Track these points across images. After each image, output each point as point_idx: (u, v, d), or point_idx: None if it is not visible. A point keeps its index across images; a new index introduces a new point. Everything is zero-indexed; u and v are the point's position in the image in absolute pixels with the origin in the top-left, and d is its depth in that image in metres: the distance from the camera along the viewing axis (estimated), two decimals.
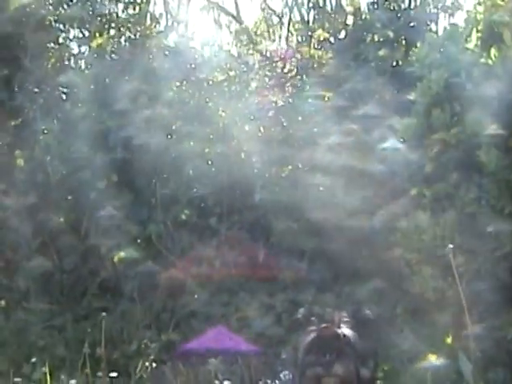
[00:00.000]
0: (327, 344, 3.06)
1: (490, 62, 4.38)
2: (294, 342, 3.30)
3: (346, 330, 3.11)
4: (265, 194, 5.14)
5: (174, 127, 5.01)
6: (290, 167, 5.24)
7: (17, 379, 4.09)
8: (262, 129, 5.24)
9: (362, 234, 4.73)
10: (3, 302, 5.04)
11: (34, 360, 4.32)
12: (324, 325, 3.12)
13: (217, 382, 3.74)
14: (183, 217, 4.95)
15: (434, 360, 3.59)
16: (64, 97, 5.55)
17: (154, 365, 4.10)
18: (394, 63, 5.51)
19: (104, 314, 3.86)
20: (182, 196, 5.07)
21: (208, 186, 5.11)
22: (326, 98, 5.33)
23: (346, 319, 3.18)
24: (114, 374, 3.89)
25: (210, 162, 5.11)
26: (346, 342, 3.06)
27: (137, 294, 5.08)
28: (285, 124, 5.01)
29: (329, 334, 3.09)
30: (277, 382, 3.58)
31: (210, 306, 4.86)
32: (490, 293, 4.52)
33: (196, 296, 4.92)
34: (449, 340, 3.95)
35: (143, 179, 5.17)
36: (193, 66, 5.06)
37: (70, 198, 5.21)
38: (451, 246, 3.42)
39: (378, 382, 3.26)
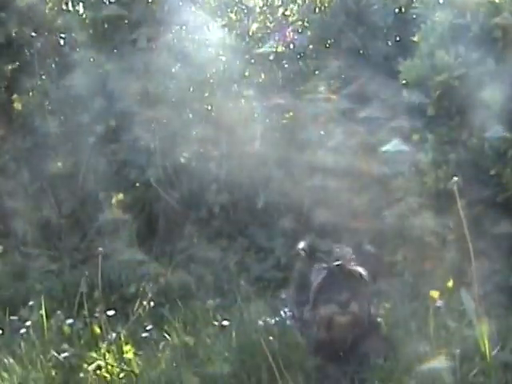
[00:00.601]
0: (342, 281, 3.00)
1: (496, 0, 4.27)
2: (295, 277, 3.22)
3: (359, 267, 3.03)
4: (265, 141, 5.04)
5: (173, 70, 4.88)
6: (290, 114, 5.12)
7: (13, 317, 4.02)
8: (262, 74, 5.12)
9: (362, 179, 4.63)
10: (0, 248, 4.95)
11: (31, 303, 4.23)
12: (337, 262, 3.03)
13: (215, 322, 3.65)
14: (182, 160, 4.85)
15: (435, 298, 3.50)
16: (62, 41, 5.42)
17: (152, 304, 4.02)
18: (397, 10, 5.37)
19: (101, 255, 3.75)
20: (182, 140, 4.96)
21: (207, 130, 5.00)
22: (328, 45, 5.21)
23: (352, 255, 3.10)
24: (111, 313, 3.80)
25: (209, 107, 4.99)
26: (361, 279, 2.99)
27: (135, 239, 4.99)
28: (286, 66, 4.90)
29: (343, 271, 3.01)
30: (277, 319, 3.50)
31: (208, 251, 4.77)
32: (493, 237, 4.45)
33: (195, 240, 4.83)
34: (450, 282, 3.87)
35: (142, 124, 5.06)
36: (192, 9, 4.93)
37: (68, 143, 5.09)
38: (456, 178, 3.33)
39: (379, 319, 3.18)
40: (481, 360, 3.13)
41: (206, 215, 4.86)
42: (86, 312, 3.88)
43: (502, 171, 4.27)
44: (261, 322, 3.43)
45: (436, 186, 4.32)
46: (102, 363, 3.27)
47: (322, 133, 4.72)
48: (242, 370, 3.26)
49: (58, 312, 3.89)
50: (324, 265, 3.29)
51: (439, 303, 3.62)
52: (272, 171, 4.83)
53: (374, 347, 3.28)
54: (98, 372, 3.40)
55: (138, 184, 4.68)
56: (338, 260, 3.29)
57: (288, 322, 3.42)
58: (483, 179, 4.39)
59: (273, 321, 3.45)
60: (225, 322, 3.70)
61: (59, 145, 5.07)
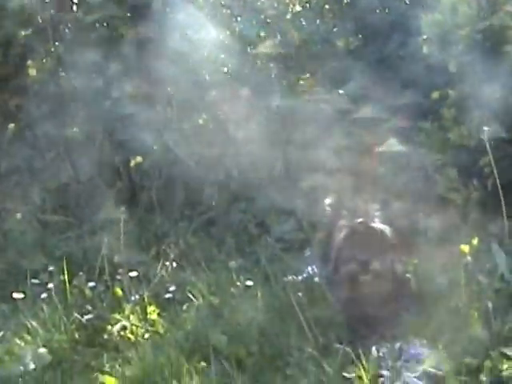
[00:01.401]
0: (363, 240, 2.88)
1: None
2: (321, 235, 3.10)
3: (381, 225, 2.91)
4: (282, 99, 4.90)
5: (187, 33, 4.74)
6: (307, 75, 4.97)
7: (34, 281, 3.92)
8: (278, 35, 4.97)
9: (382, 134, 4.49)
10: (19, 215, 4.84)
11: (51, 268, 4.12)
12: (359, 219, 2.91)
13: (238, 283, 3.54)
14: (200, 121, 4.72)
15: (465, 252, 3.38)
16: (75, 7, 5.28)
17: (175, 265, 3.91)
18: None
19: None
20: (199, 103, 4.83)
21: (225, 93, 4.86)
22: (345, 4, 5.06)
23: (377, 212, 2.97)
24: (133, 274, 3.70)
25: (225, 69, 4.85)
26: (384, 237, 2.87)
27: (155, 204, 4.88)
28: (305, 26, 4.75)
29: (365, 229, 2.89)
30: (304, 275, 3.39)
31: (227, 214, 4.65)
32: None
33: (214, 203, 4.71)
34: (476, 239, 3.74)
35: (159, 87, 4.93)
36: None
37: (83, 108, 4.96)
38: (487, 128, 3.20)
39: (409, 275, 3.06)
40: None
41: (224, 178, 4.72)
42: (107, 275, 3.77)
43: None
44: (287, 279, 3.31)
45: (460, 142, 4.17)
46: (126, 324, 3.16)
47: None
48: (270, 329, 3.15)
49: (80, 274, 3.77)
50: (346, 222, 3.18)
51: (468, 259, 3.50)
52: (291, 133, 4.68)
53: (404, 304, 3.17)
54: (123, 333, 3.28)
55: (155, 147, 4.51)
56: (360, 217, 3.17)
57: (315, 279, 3.30)
58: (509, 136, 4.25)
59: (300, 277, 3.34)
60: (249, 282, 3.58)
61: (75, 111, 4.93)
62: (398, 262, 3.20)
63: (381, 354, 2.70)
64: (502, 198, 3.19)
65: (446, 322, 2.99)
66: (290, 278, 3.31)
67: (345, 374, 2.71)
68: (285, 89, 4.86)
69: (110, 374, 2.85)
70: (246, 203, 4.72)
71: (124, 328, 3.23)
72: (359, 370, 2.70)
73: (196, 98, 4.71)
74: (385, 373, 2.63)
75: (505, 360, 2.74)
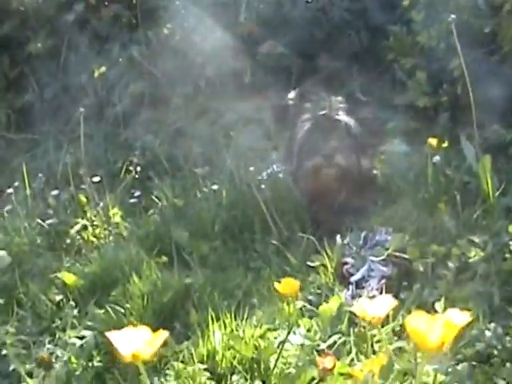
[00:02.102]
0: (326, 132, 2.73)
1: None
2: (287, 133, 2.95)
3: (345, 117, 2.76)
4: (250, 12, 4.72)
5: None
6: None
7: None
8: None
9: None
10: None
11: (16, 184, 3.97)
12: (322, 111, 2.76)
13: (205, 188, 3.40)
14: (166, 32, 4.53)
15: (434, 145, 3.26)
16: None
17: (140, 176, 3.77)
18: None
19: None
20: (165, 13, 4.63)
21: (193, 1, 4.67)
22: None
23: (342, 105, 2.82)
24: (97, 179, 3.55)
25: None
26: (348, 130, 2.72)
27: (121, 119, 4.71)
28: None
29: (328, 122, 2.74)
30: (268, 171, 3.26)
31: (196, 125, 4.50)
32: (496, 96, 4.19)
33: (181, 116, 4.54)
34: (446, 143, 3.61)
35: None
36: None
37: (47, 23, 4.76)
38: (453, 16, 3.05)
39: (375, 171, 2.92)
40: (482, 203, 2.90)
41: (192, 90, 4.55)
42: (72, 185, 3.63)
43: (496, 28, 3.96)
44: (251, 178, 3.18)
45: (429, 44, 4.02)
46: (86, 223, 3.02)
47: None
48: (233, 225, 3.03)
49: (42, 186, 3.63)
50: (309, 115, 3.03)
51: (436, 158, 3.39)
52: (260, 43, 4.50)
53: (369, 197, 3.05)
54: (85, 236, 3.16)
55: (120, 59, 4.32)
56: (324, 110, 3.03)
57: (280, 175, 3.17)
58: (477, 38, 4.09)
59: (264, 174, 3.21)
60: (215, 186, 3.45)
61: (38, 26, 4.72)
62: (364, 156, 3.08)
63: (345, 242, 2.56)
64: (472, 101, 3.03)
65: (412, 212, 2.87)
66: (254, 176, 3.15)
67: (308, 263, 2.59)
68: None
69: (70, 272, 2.71)
70: (214, 115, 4.55)
71: (84, 228, 3.09)
72: (323, 258, 2.58)
73: (162, 7, 4.50)
74: (349, 260, 2.52)
75: (472, 248, 2.63)
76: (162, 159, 4.18)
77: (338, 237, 2.58)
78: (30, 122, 4.85)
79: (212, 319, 2.16)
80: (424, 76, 4.09)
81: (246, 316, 2.21)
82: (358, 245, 2.58)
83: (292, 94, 3.09)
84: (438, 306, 2.13)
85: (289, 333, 2.01)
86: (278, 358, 1.94)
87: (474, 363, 2.09)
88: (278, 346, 2.03)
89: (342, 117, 3.00)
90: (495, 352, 2.12)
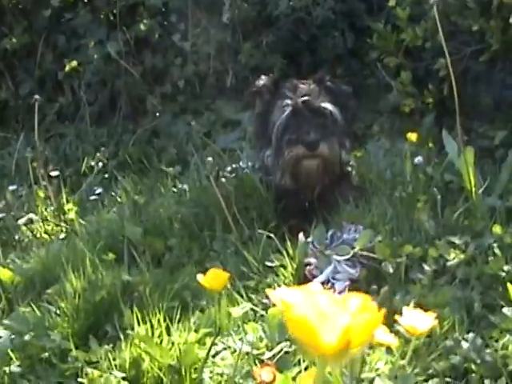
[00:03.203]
0: (308, 120, 2.35)
1: None
2: (255, 119, 2.55)
3: (328, 105, 2.37)
4: (233, 11, 4.34)
5: None
6: None
7: None
8: None
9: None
10: None
11: None
12: (303, 97, 2.37)
13: (174, 187, 3.01)
14: (142, 27, 4.15)
15: (413, 140, 2.87)
16: None
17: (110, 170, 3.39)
18: None
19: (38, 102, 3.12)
20: (144, 10, 4.26)
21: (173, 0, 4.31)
22: None
23: (323, 92, 2.42)
24: (55, 173, 3.16)
25: None
26: (332, 118, 2.33)
27: (96, 119, 4.33)
28: None
29: (311, 109, 2.35)
30: (233, 166, 2.87)
31: (173, 125, 4.11)
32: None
33: (158, 115, 4.17)
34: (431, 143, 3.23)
35: None
36: None
37: (24, 19, 4.39)
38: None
39: (350, 168, 2.52)
40: (465, 203, 2.50)
41: (170, 90, 4.18)
42: (32, 181, 3.24)
43: (485, 26, 3.57)
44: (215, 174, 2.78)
45: (414, 43, 3.63)
46: (34, 217, 2.63)
47: None
48: (194, 223, 2.63)
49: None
50: (288, 101, 2.63)
51: (419, 159, 3.00)
52: (241, 44, 4.13)
53: (344, 194, 2.64)
54: (36, 231, 2.76)
55: (95, 56, 3.95)
56: (304, 96, 2.63)
57: (246, 171, 2.77)
58: (465, 37, 3.71)
59: (228, 169, 2.81)
60: (183, 185, 3.05)
61: (14, 21, 4.35)
62: (344, 149, 2.68)
63: (309, 240, 2.16)
64: (456, 105, 2.64)
65: (388, 211, 2.47)
66: (218, 172, 2.75)
67: (267, 263, 2.18)
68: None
69: (5, 268, 2.31)
70: (192, 115, 4.17)
71: (30, 222, 2.69)
72: (283, 258, 2.17)
73: (142, 3, 4.13)
74: (312, 260, 2.11)
75: (452, 249, 2.22)
76: (134, 158, 3.79)
77: (301, 235, 2.17)
78: (4, 119, 4.48)
79: (138, 322, 1.75)
80: (409, 76, 3.70)
81: (179, 318, 1.79)
82: (323, 243, 2.17)
83: (264, 80, 2.69)
84: (407, 311, 1.71)
85: (215, 337, 1.61)
86: (203, 367, 1.53)
87: (447, 379, 1.68)
88: (213, 355, 1.62)
89: (326, 104, 2.60)
90: (473, 367, 1.71)
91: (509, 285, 1.87)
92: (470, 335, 1.79)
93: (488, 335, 1.80)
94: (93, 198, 3.11)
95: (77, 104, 4.36)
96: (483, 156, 3.45)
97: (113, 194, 3.05)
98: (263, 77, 2.74)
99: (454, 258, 2.21)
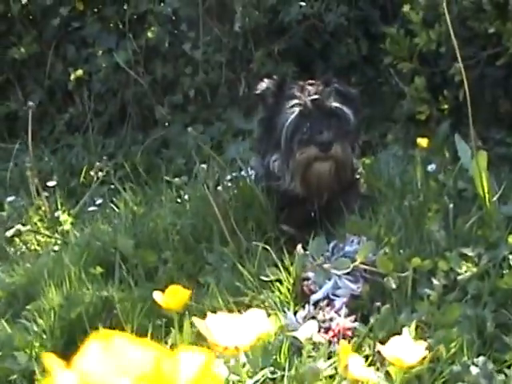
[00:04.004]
0: (319, 120, 2.14)
1: None
2: (260, 123, 2.34)
3: (341, 105, 2.15)
4: (245, 19, 4.13)
5: None
6: None
7: None
8: None
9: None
10: None
11: None
12: (313, 96, 2.15)
13: (179, 198, 2.80)
14: (150, 34, 3.96)
15: (423, 145, 2.64)
16: None
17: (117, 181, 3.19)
18: None
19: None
20: (154, 19, 4.08)
21: (183, 8, 4.11)
22: None
23: (332, 93, 2.21)
24: (52, 183, 2.97)
25: None
26: (345, 119, 2.11)
27: (105, 129, 4.15)
28: None
29: (322, 108, 2.13)
30: (233, 174, 2.65)
31: (182, 136, 3.91)
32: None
33: (167, 125, 3.97)
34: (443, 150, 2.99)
35: (111, 4, 4.19)
36: None
37: (32, 29, 4.22)
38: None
39: (358, 176, 2.31)
40: (478, 211, 2.25)
41: (181, 100, 3.98)
42: (34, 192, 3.05)
43: (501, 28, 3.32)
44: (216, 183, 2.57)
45: (428, 47, 3.40)
46: (22, 227, 2.43)
47: None
48: (191, 235, 2.41)
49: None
50: (297, 101, 2.40)
51: (432, 167, 2.77)
52: (253, 53, 3.92)
53: (349, 204, 2.41)
54: (29, 244, 2.56)
55: (104, 65, 3.76)
56: (314, 96, 2.41)
57: (247, 181, 2.55)
58: (481, 41, 3.47)
59: (228, 177, 2.59)
60: (186, 197, 2.84)
61: (23, 31, 4.19)
62: (354, 154, 2.45)
63: (308, 253, 1.93)
64: (469, 109, 2.41)
65: (396, 221, 2.23)
66: (218, 182, 2.53)
67: (262, 278, 1.95)
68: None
69: None
70: (202, 125, 3.97)
71: (19, 233, 2.49)
72: (280, 272, 1.94)
73: (152, 12, 3.95)
74: (310, 275, 1.88)
75: (464, 262, 1.98)
76: (142, 169, 3.59)
77: (299, 247, 1.94)
78: (14, 130, 4.31)
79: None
80: (423, 82, 3.46)
81: (159, 338, 1.56)
82: (320, 256, 1.94)
83: (268, 83, 2.47)
84: (407, 332, 1.48)
85: None
86: None
87: None
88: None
89: (338, 104, 2.38)
90: None
91: None
92: (481, 359, 1.54)
93: (501, 359, 1.55)
94: (92, 208, 2.89)
95: (86, 114, 4.17)
96: (501, 163, 3.21)
97: (112, 204, 2.82)
98: (266, 80, 2.52)
99: (465, 272, 1.96)
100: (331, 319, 1.69)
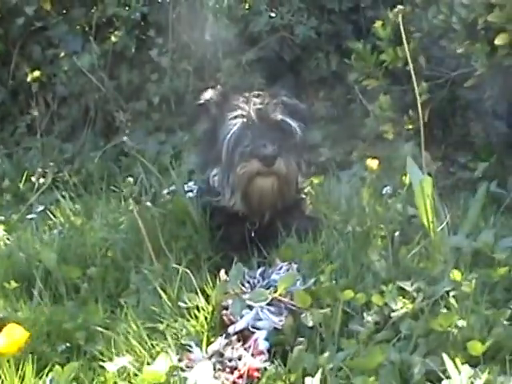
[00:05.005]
0: (264, 132, 1.92)
1: None
2: (202, 135, 2.13)
3: (287, 118, 1.92)
4: (216, 29, 3.91)
5: None
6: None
7: None
8: None
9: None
10: None
11: None
12: (256, 106, 1.92)
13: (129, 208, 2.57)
14: (113, 39, 3.74)
15: (373, 168, 2.43)
16: None
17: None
18: None
19: None
20: (121, 24, 3.87)
21: (152, 15, 3.90)
22: None
23: (279, 106, 1.98)
24: None
25: None
26: (291, 133, 1.89)
27: (68, 133, 3.94)
28: None
29: (266, 120, 1.91)
30: (171, 189, 2.43)
31: (144, 144, 3.70)
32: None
33: (128, 132, 3.75)
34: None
35: (77, 4, 3.98)
36: None
37: None
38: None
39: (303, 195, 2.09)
40: (423, 240, 2.04)
41: (144, 107, 3.77)
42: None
43: (471, 49, 3.11)
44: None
45: (394, 64, 3.20)
46: None
47: None
48: (121, 251, 2.19)
49: None
50: (240, 112, 2.19)
51: (387, 189, 2.56)
52: (221, 61, 3.71)
53: (291, 225, 2.20)
54: None
55: (66, 68, 3.56)
56: (259, 107, 2.20)
57: (186, 196, 2.33)
58: (450, 60, 3.27)
59: (165, 191, 2.37)
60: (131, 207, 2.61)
61: None
62: (300, 171, 2.24)
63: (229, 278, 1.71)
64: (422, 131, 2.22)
65: (336, 247, 2.02)
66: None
67: (180, 304, 1.74)
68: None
69: None
70: (165, 134, 3.75)
71: None
72: (199, 299, 1.73)
73: (118, 17, 3.74)
74: (230, 302, 1.66)
75: (400, 297, 1.76)
76: (96, 176, 3.37)
77: (222, 272, 1.72)
78: None
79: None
80: (388, 100, 3.26)
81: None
82: (249, 283, 1.72)
83: (211, 93, 2.25)
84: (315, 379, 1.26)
85: None
86: None
87: None
88: None
89: (285, 117, 2.16)
90: None
91: (444, 356, 1.41)
92: None
93: None
94: (30, 216, 2.67)
95: (50, 117, 3.95)
96: (465, 189, 3.02)
97: (50, 213, 2.61)
98: (210, 90, 2.30)
99: (401, 308, 1.75)
100: (239, 358, 1.47)
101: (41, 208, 2.77)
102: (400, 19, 2.18)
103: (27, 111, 4.00)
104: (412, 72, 2.20)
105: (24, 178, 3.40)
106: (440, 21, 3.18)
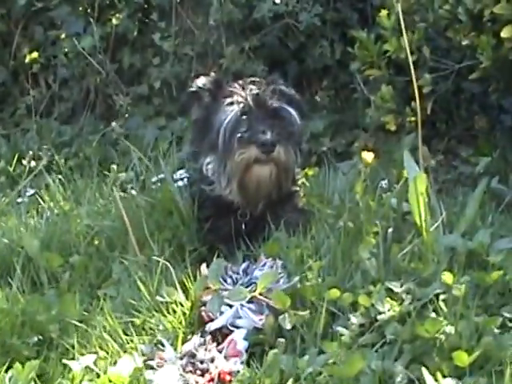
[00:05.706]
0: (263, 119, 1.80)
1: None
2: (194, 123, 2.00)
3: (287, 106, 1.80)
4: (220, 14, 3.79)
5: None
6: None
7: None
8: None
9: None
10: None
11: None
12: (253, 92, 1.79)
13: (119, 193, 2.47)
14: (115, 21, 3.63)
15: (368, 161, 2.31)
16: None
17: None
18: None
19: None
20: (123, 6, 3.75)
21: None
22: None
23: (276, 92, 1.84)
24: None
25: None
26: (290, 121, 1.76)
27: (68, 116, 3.84)
28: None
29: (264, 106, 1.78)
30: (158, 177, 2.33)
31: (143, 129, 3.59)
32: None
33: (128, 117, 3.65)
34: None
35: None
36: None
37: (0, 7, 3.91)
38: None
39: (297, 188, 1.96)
40: (416, 239, 1.93)
41: (146, 91, 3.66)
42: None
43: (476, 41, 2.97)
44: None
45: (397, 54, 3.06)
46: None
47: None
48: (106, 240, 2.09)
49: None
50: (237, 98, 2.08)
51: (383, 183, 2.45)
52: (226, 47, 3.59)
53: (280, 218, 2.09)
54: None
55: (67, 50, 3.45)
56: (254, 90, 2.09)
57: (174, 186, 2.23)
58: (454, 51, 3.14)
59: (153, 179, 2.27)
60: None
61: None
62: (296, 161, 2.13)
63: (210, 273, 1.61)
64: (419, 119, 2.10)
65: (325, 243, 1.91)
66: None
67: (158, 298, 1.63)
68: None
69: None
70: (165, 119, 3.65)
71: None
72: (178, 294, 1.63)
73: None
74: (208, 298, 1.56)
75: (388, 298, 1.66)
76: (93, 160, 3.27)
77: (204, 266, 1.62)
78: None
79: None
80: (390, 91, 3.13)
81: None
82: (231, 278, 1.62)
83: (204, 80, 2.14)
84: None
85: None
86: None
87: None
88: None
89: (284, 104, 2.05)
90: None
91: (423, 370, 1.30)
92: None
93: None
94: (20, 200, 2.57)
95: (51, 99, 3.86)
96: (466, 184, 2.91)
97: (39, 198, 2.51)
98: (203, 77, 2.19)
99: (388, 310, 1.64)
100: (212, 360, 1.37)
101: (31, 192, 2.66)
102: (399, 8, 2.04)
103: (27, 92, 3.89)
104: (410, 63, 2.07)
105: (17, 160, 3.30)
106: (446, 11, 3.05)
